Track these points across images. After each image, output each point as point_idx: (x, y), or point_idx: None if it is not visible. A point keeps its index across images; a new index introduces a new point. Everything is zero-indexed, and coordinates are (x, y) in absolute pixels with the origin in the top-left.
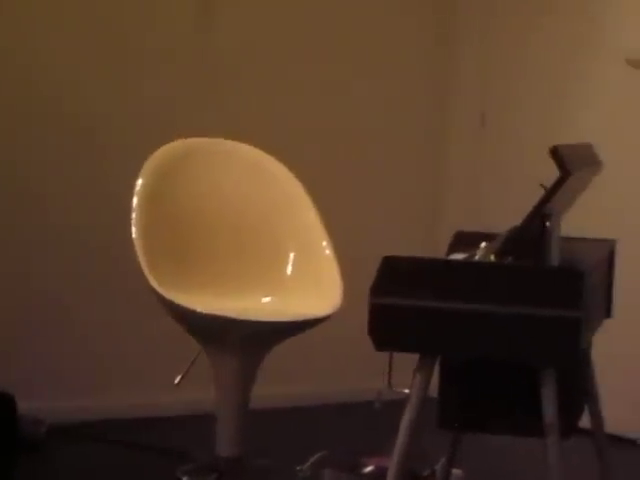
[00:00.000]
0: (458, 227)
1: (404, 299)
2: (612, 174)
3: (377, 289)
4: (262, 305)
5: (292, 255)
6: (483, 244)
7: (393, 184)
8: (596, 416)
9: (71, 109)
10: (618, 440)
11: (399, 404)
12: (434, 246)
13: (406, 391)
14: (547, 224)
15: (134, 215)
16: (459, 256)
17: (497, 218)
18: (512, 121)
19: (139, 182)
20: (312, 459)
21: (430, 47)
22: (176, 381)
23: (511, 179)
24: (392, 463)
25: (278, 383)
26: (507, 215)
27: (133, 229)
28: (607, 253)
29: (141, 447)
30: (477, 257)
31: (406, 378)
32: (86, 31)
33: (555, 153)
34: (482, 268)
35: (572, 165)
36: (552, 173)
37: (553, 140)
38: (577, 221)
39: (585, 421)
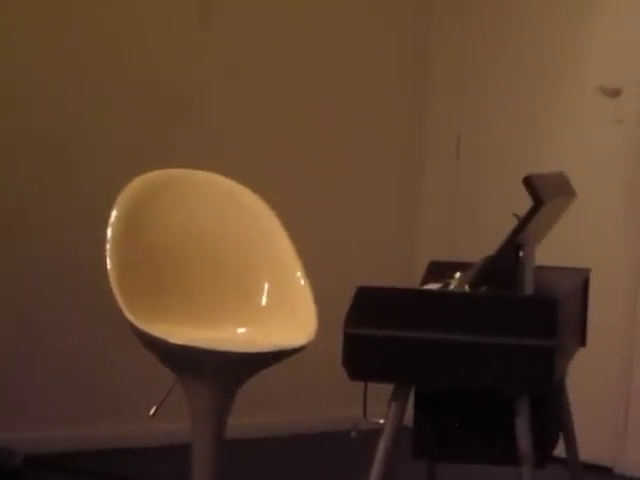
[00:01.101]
0: (433, 257)
1: (378, 329)
2: (585, 203)
3: (351, 319)
4: (237, 336)
5: (267, 285)
6: (457, 274)
7: (368, 215)
8: (571, 445)
9: (47, 126)
10: (593, 468)
11: (376, 433)
12: (409, 277)
13: (381, 421)
14: (521, 254)
15: (108, 247)
16: (433, 286)
17: (472, 248)
18: (486, 151)
19: (113, 213)
20: None
21: (404, 74)
22: (151, 412)
23: (485, 209)
24: None
25: (254, 413)
26: (482, 245)
27: (107, 260)
28: (581, 282)
29: (116, 478)
30: (451, 287)
31: (382, 407)
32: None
33: (528, 183)
34: (456, 298)
35: (545, 194)
36: (526, 203)
37: (527, 169)
38: (551, 251)
39: (560, 450)
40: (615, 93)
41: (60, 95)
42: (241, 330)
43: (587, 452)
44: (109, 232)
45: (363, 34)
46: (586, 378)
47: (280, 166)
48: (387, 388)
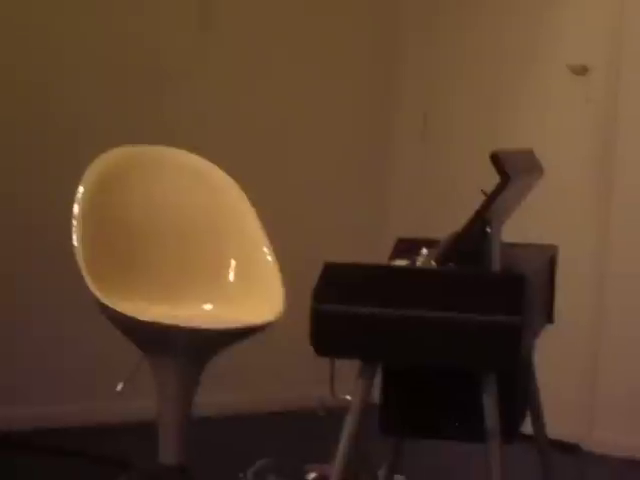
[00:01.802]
0: (401, 235)
1: (345, 305)
2: (554, 181)
3: (318, 295)
4: (204, 312)
5: (234, 262)
6: (424, 250)
7: (337, 192)
8: (538, 421)
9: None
10: (561, 445)
11: (343, 411)
12: (377, 254)
13: (348, 398)
14: (488, 230)
15: (75, 223)
16: (401, 263)
17: (440, 226)
18: (454, 128)
19: (80, 190)
20: (255, 466)
21: (371, 55)
22: (118, 388)
23: (453, 187)
24: (334, 469)
25: (221, 391)
26: (450, 222)
27: (74, 237)
28: (549, 259)
29: (83, 455)
30: (418, 263)
31: (350, 385)
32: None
33: (495, 159)
34: (423, 274)
35: (512, 170)
36: (494, 181)
37: (494, 146)
38: (519, 228)
39: (527, 427)
40: (583, 71)
41: (27, 72)
42: (208, 307)
43: (555, 429)
44: (75, 208)
45: (332, 15)
46: (554, 356)
47: (249, 144)
48: (354, 365)
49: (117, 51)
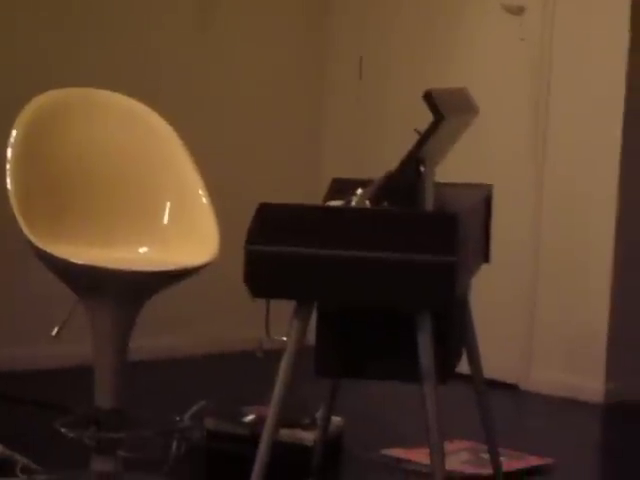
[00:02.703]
0: (336, 175)
1: (279, 246)
2: (489, 120)
3: (252, 236)
4: (139, 255)
5: (168, 204)
6: (359, 190)
7: (272, 133)
8: (474, 361)
9: None
10: (499, 385)
11: (280, 353)
12: (313, 195)
13: (285, 339)
14: (421, 169)
15: (8, 166)
16: (336, 203)
17: (375, 166)
18: (389, 71)
19: (13, 133)
20: (192, 409)
21: None
22: (53, 332)
23: (389, 128)
24: (271, 410)
25: (156, 334)
26: (385, 163)
27: (8, 181)
28: (483, 198)
29: (18, 400)
30: (353, 204)
31: (286, 326)
32: None
33: (429, 97)
34: (356, 214)
35: (446, 109)
36: (428, 120)
37: (429, 86)
38: (455, 169)
39: (465, 367)
40: (519, 10)
41: None
42: (143, 250)
43: (493, 370)
44: (9, 152)
45: None
46: (492, 295)
47: (183, 84)
48: (290, 307)
49: None
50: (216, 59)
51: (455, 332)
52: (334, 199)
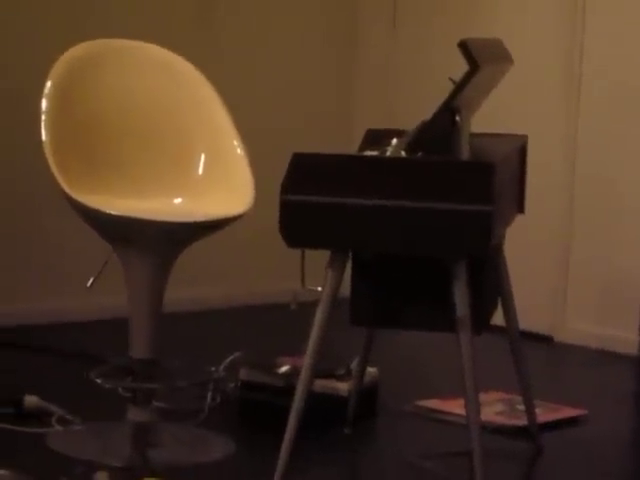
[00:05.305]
0: (370, 125)
1: (314, 196)
2: (523, 71)
3: (287, 186)
4: (174, 206)
5: (203, 156)
6: (394, 140)
7: (306, 84)
8: (509, 311)
9: None
10: (533, 337)
11: (315, 305)
12: (347, 145)
13: (320, 289)
14: (457, 118)
15: (43, 118)
16: (371, 153)
17: (409, 116)
18: (424, 15)
19: (48, 84)
20: (227, 360)
21: None
22: (89, 283)
23: (423, 77)
24: (306, 360)
25: (192, 285)
26: (419, 113)
27: (43, 132)
28: (518, 148)
29: (54, 351)
30: (388, 153)
31: (321, 279)
32: None
33: (464, 47)
34: (392, 163)
35: (481, 59)
36: (464, 70)
37: (464, 36)
38: (490, 119)
39: (499, 319)
40: None
41: None
42: (178, 201)
43: (527, 321)
44: (43, 103)
45: None
46: (526, 247)
47: (219, 37)
48: (325, 259)
49: None
50: (248, 12)
51: (490, 282)
52: (369, 149)
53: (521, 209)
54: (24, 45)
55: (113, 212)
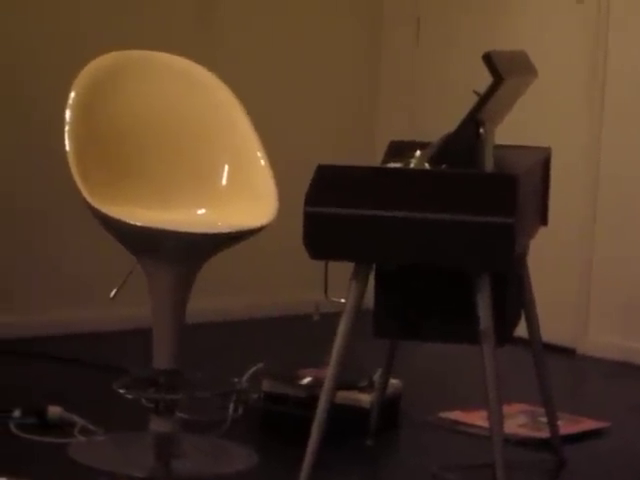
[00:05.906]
0: (394, 137)
1: (339, 207)
2: (547, 84)
3: (311, 198)
4: (197, 217)
5: (227, 166)
6: (418, 152)
7: (330, 96)
8: (532, 324)
9: None
10: (556, 349)
11: (337, 316)
12: (370, 157)
13: (343, 301)
14: (481, 130)
15: (67, 128)
16: (394, 165)
17: (433, 128)
18: (447, 28)
19: (72, 95)
20: (249, 371)
21: None
22: (112, 294)
23: (446, 89)
24: (329, 372)
25: (215, 296)
26: (442, 125)
27: (66, 142)
28: (542, 160)
29: (78, 362)
30: (412, 165)
31: (344, 290)
32: None
33: (488, 59)
34: (416, 175)
35: (505, 71)
36: (487, 83)
37: (487, 49)
38: (513, 131)
39: (522, 331)
40: None
41: None
42: (201, 211)
43: (550, 333)
44: (67, 114)
45: None
46: (549, 260)
47: (242, 48)
48: (348, 270)
49: None
50: (274, 27)
51: (513, 294)
52: (392, 161)
53: (544, 221)
54: (50, 55)
55: (136, 222)
